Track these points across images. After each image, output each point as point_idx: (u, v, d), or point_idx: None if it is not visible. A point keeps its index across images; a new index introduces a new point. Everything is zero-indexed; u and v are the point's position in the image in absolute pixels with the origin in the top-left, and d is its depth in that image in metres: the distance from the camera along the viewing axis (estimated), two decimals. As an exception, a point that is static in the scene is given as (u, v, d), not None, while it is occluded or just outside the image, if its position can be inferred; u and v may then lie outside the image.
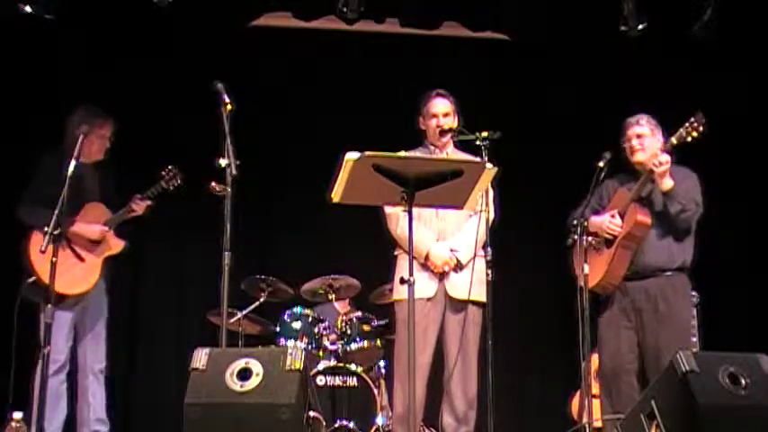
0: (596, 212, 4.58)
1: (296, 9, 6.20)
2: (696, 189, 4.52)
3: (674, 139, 4.37)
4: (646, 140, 4.55)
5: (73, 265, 4.65)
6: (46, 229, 3.81)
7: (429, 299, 4.35)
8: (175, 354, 5.91)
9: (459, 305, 4.35)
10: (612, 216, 4.53)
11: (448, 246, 4.38)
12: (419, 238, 4.27)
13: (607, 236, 4.53)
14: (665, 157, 4.35)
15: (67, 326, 4.67)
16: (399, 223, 4.31)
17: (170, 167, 4.93)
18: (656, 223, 4.47)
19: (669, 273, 4.48)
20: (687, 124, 4.33)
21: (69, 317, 4.68)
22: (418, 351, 4.03)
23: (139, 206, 4.87)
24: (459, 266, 4.37)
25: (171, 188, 4.95)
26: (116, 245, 4.82)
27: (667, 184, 4.39)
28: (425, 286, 4.32)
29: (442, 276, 4.38)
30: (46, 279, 4.19)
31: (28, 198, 4.66)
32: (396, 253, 4.51)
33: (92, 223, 4.75)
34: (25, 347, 4.39)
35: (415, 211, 4.01)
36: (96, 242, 4.76)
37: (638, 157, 4.55)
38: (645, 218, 4.46)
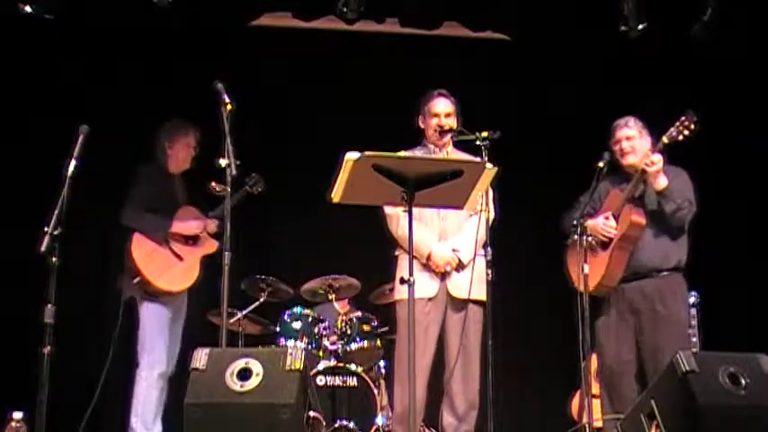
0: (589, 215, 4.57)
1: (296, 9, 6.20)
2: (688, 187, 4.52)
3: (665, 139, 4.37)
4: (636, 142, 4.55)
5: (173, 264, 4.82)
6: (46, 229, 3.82)
7: (430, 299, 4.35)
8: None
9: (460, 305, 4.35)
10: (606, 218, 4.53)
11: (449, 246, 4.38)
12: (421, 238, 4.27)
13: (602, 238, 4.52)
14: (658, 157, 4.35)
15: (168, 325, 4.84)
16: (400, 224, 4.31)
17: (253, 174, 5.04)
18: (650, 223, 4.47)
19: (665, 273, 4.48)
20: (678, 123, 4.33)
21: (169, 315, 4.85)
22: (419, 351, 4.03)
23: (210, 226, 4.98)
24: (460, 266, 4.37)
25: (256, 192, 5.09)
26: (211, 245, 4.95)
27: (661, 183, 4.38)
28: (427, 286, 4.31)
29: (443, 276, 4.37)
30: (153, 279, 4.70)
31: (130, 205, 4.84)
32: (396, 253, 4.51)
33: (188, 221, 4.94)
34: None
35: (416, 211, 4.02)
36: (194, 242, 4.91)
37: (629, 159, 4.55)
38: (639, 218, 4.46)
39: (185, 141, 5.03)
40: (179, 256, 4.84)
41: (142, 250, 4.74)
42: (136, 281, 4.73)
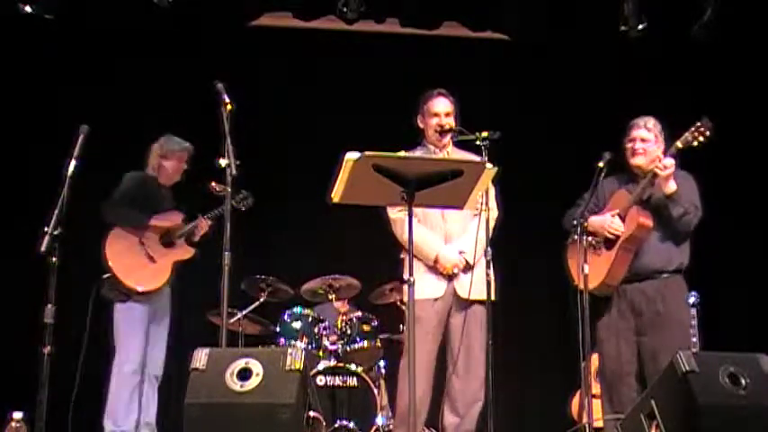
0: (593, 212, 4.57)
1: (296, 9, 6.21)
2: (695, 192, 4.51)
3: (679, 143, 4.34)
4: (649, 146, 4.51)
5: (144, 264, 4.92)
6: (46, 229, 3.82)
7: (437, 299, 4.34)
8: (175, 354, 5.91)
9: (465, 305, 4.35)
10: (613, 216, 4.52)
11: (456, 248, 4.38)
12: (426, 241, 4.28)
13: (608, 236, 4.51)
14: (670, 161, 4.32)
15: (143, 326, 4.91)
16: (405, 228, 4.30)
17: (242, 191, 5.13)
18: (656, 227, 4.46)
19: (666, 275, 4.47)
20: (693, 128, 4.31)
21: (145, 316, 4.91)
22: (425, 350, 4.02)
23: (203, 225, 5.07)
24: (468, 267, 4.37)
25: (243, 208, 5.16)
26: (187, 251, 5.05)
27: (671, 187, 4.36)
28: (434, 287, 4.31)
29: (450, 277, 4.37)
30: (121, 276, 4.80)
31: (110, 200, 4.98)
32: (402, 256, 4.48)
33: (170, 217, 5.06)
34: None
35: (421, 213, 4.00)
36: (169, 246, 4.99)
37: (638, 161, 4.52)
38: (647, 221, 4.44)
39: (179, 156, 5.16)
40: (152, 258, 4.93)
41: (116, 248, 4.85)
42: (106, 276, 4.81)
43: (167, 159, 5.13)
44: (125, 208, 4.95)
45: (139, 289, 4.85)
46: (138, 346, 4.86)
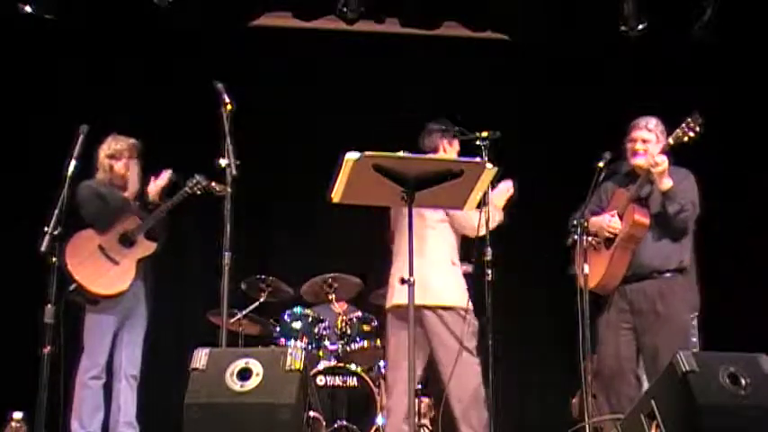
0: (595, 213, 4.58)
1: (296, 9, 6.22)
2: (694, 190, 4.51)
3: (670, 140, 4.35)
4: (650, 146, 4.51)
5: (108, 268, 4.82)
6: (46, 229, 3.83)
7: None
8: (175, 354, 5.91)
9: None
10: (612, 215, 4.52)
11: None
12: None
13: (608, 235, 4.52)
14: (662, 158, 4.33)
15: (111, 332, 4.84)
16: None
17: (195, 175, 4.98)
18: (653, 224, 4.46)
19: (668, 274, 4.47)
20: (684, 125, 4.31)
21: (112, 322, 4.83)
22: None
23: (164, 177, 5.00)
24: None
25: (198, 192, 5.00)
26: (148, 247, 4.95)
27: (666, 183, 4.37)
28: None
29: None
30: (85, 283, 4.68)
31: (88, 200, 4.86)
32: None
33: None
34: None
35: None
36: (129, 244, 4.91)
37: (638, 161, 4.52)
38: (643, 218, 4.45)
39: (128, 153, 5.03)
40: (114, 260, 4.85)
41: (77, 258, 4.74)
42: (72, 287, 4.70)
43: (116, 159, 4.99)
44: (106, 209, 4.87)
45: (107, 293, 4.78)
46: (102, 354, 4.79)
